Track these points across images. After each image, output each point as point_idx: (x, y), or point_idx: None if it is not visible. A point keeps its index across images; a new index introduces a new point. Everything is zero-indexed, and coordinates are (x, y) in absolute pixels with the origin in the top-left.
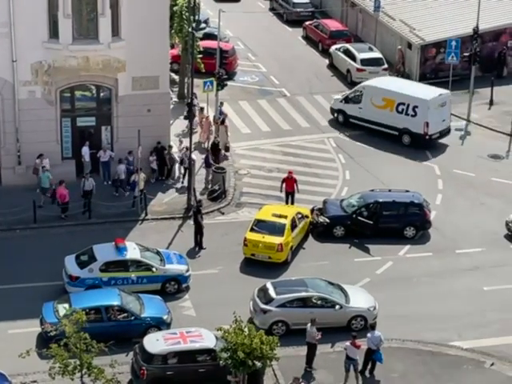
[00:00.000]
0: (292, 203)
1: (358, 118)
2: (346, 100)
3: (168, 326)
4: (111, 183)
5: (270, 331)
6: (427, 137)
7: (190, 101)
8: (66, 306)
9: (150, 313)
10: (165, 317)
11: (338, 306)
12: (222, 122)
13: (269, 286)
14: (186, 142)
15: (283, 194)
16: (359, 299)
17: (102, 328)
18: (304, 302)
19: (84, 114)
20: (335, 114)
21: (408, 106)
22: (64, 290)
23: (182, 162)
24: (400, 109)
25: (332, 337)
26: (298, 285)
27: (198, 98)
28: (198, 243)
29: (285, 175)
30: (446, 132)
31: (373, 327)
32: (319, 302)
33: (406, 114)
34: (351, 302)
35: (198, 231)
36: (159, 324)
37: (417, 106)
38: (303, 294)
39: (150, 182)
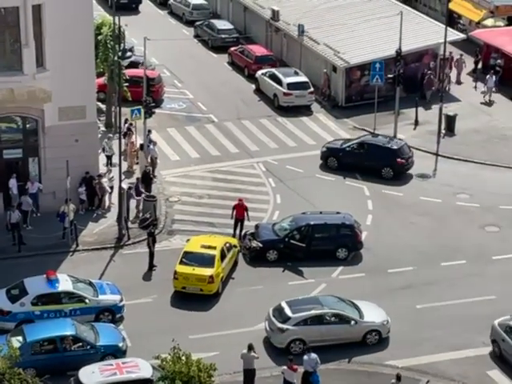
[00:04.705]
0: (241, 230)
1: None
2: None
3: (124, 353)
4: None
5: (288, 350)
6: None
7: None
8: (20, 338)
9: (105, 341)
10: (120, 344)
11: (353, 322)
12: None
13: (284, 305)
14: (114, 171)
15: (233, 221)
16: (372, 314)
17: (58, 359)
18: (320, 319)
19: (10, 146)
20: None
21: None
22: None
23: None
24: None
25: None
26: (313, 302)
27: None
28: (149, 264)
29: (235, 202)
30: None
31: (308, 350)
32: (335, 319)
33: None
34: (365, 317)
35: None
36: (115, 352)
37: None
38: (319, 312)
39: (79, 212)
